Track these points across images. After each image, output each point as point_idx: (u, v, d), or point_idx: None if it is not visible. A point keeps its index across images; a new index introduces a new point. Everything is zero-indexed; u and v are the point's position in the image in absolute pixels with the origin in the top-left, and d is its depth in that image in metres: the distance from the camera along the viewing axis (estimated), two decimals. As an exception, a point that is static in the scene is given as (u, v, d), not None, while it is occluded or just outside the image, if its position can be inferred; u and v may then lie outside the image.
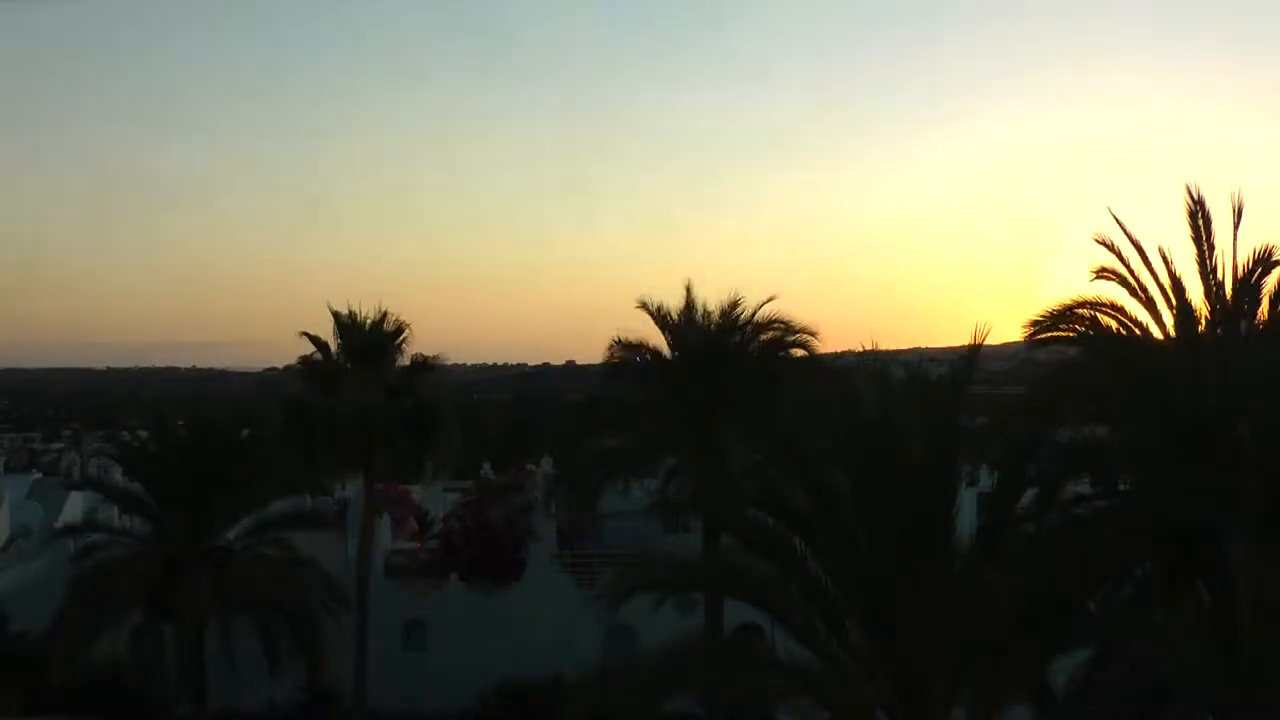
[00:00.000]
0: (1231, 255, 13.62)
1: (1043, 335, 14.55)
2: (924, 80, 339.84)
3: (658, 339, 24.41)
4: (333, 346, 27.61)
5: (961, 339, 13.64)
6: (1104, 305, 14.18)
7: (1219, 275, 13.58)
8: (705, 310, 24.22)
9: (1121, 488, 14.12)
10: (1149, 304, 13.97)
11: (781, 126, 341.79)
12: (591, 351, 24.72)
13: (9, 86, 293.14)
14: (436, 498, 41.27)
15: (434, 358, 28.32)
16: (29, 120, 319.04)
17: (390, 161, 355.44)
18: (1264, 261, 13.44)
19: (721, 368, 23.57)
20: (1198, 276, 13.72)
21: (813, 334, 23.55)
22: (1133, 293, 13.99)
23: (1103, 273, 14.13)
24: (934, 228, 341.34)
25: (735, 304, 24.08)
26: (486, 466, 41.33)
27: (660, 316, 24.07)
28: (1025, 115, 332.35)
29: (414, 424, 27.01)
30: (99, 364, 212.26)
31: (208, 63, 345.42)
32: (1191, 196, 13.76)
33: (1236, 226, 13.63)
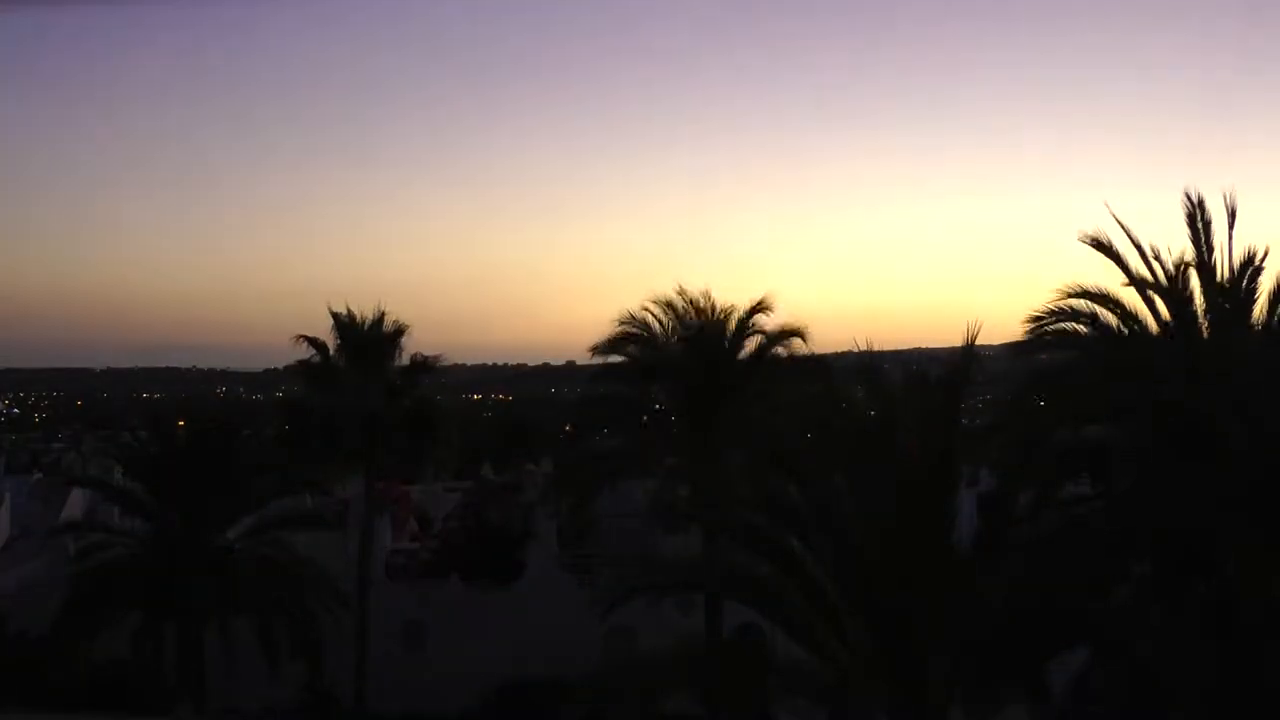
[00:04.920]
0: (1227, 256, 13.64)
1: (1043, 330, 14.51)
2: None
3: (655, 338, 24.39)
4: (331, 347, 27.63)
5: (961, 339, 13.61)
6: (1104, 298, 14.16)
7: (1218, 276, 13.59)
8: (698, 309, 24.19)
9: (1121, 488, 14.11)
10: (1148, 302, 13.98)
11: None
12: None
13: None
14: (436, 498, 41.26)
15: (433, 358, 28.35)
16: (25, 121, 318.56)
17: (390, 161, 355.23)
18: (1256, 262, 13.46)
19: (717, 367, 23.56)
20: (1196, 277, 13.71)
21: (804, 331, 23.54)
22: (1136, 285, 13.96)
23: (1096, 245, 14.06)
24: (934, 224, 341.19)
25: (727, 303, 24.09)
26: (486, 466, 41.31)
27: (641, 323, 24.00)
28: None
29: (413, 424, 27.00)
30: (98, 364, 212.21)
31: (204, 70, 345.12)
32: (1190, 199, 13.76)
33: (1231, 226, 13.65)
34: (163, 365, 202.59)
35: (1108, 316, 14.20)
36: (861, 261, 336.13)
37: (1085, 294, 14.17)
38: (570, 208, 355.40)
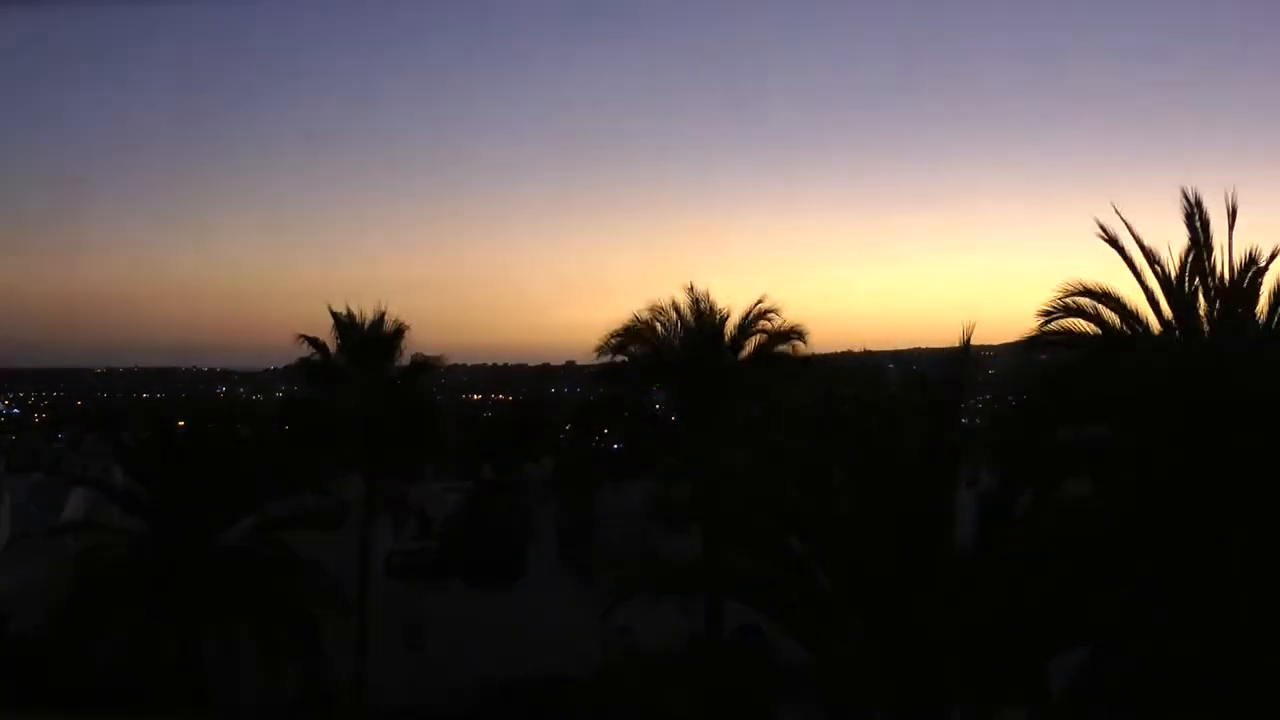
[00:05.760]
0: (1228, 254, 13.65)
1: (1044, 329, 14.51)
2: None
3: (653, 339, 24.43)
4: (331, 347, 27.67)
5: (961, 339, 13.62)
6: (1105, 295, 14.17)
7: (1217, 276, 13.59)
8: (700, 310, 24.23)
9: (1121, 488, 14.10)
10: (1151, 303, 13.98)
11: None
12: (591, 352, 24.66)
13: None
14: (436, 498, 41.30)
15: (434, 358, 28.39)
16: (24, 119, 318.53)
17: (391, 160, 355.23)
18: (1257, 262, 13.47)
19: (718, 368, 23.60)
20: (1196, 278, 13.72)
21: (802, 331, 23.58)
22: (1142, 286, 13.97)
23: (1111, 241, 14.07)
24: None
25: (727, 304, 24.13)
26: (486, 466, 41.37)
27: (645, 323, 24.02)
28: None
29: (414, 424, 27.02)
30: (98, 364, 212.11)
31: (204, 69, 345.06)
32: (1188, 199, 13.77)
33: (1231, 226, 13.65)
34: (163, 365, 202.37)
35: (1109, 315, 14.21)
36: (863, 261, 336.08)
37: (1087, 292, 14.18)
38: (571, 207, 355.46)
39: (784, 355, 23.96)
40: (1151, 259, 13.91)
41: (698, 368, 23.62)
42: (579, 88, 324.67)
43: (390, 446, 27.24)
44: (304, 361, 27.87)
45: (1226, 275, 13.58)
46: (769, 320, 23.76)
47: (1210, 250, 13.63)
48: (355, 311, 27.72)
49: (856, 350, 13.78)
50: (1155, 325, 14.00)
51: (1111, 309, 14.16)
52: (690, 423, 23.73)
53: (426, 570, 33.65)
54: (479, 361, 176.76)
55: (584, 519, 32.92)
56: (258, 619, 22.72)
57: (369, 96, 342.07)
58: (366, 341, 27.47)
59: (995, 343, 14.43)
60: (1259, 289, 13.54)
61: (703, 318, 24.18)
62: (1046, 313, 14.25)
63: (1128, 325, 14.14)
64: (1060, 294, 14.21)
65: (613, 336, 24.10)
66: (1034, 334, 14.44)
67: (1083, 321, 14.34)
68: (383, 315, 27.72)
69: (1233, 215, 13.66)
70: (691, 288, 24.35)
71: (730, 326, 24.09)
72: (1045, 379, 15.00)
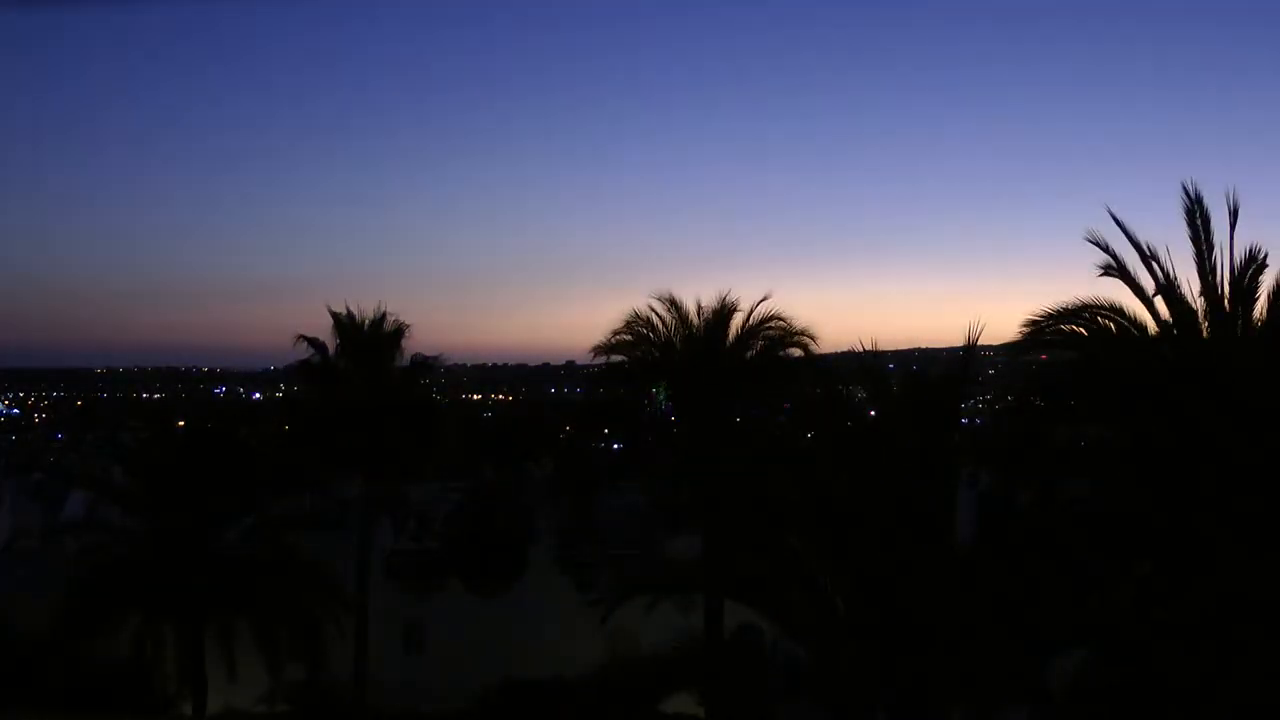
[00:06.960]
0: (1229, 254, 13.59)
1: (1043, 331, 14.46)
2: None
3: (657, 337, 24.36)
4: (331, 347, 27.64)
5: (962, 338, 13.59)
6: (1101, 308, 14.12)
7: (1217, 275, 13.53)
8: (701, 309, 24.15)
9: (1121, 488, 14.08)
10: (1147, 303, 13.94)
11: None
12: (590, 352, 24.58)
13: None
14: (436, 498, 41.26)
15: (434, 358, 28.36)
16: (26, 120, 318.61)
17: (391, 160, 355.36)
18: (1257, 260, 13.42)
19: (720, 368, 23.53)
20: (1195, 276, 13.67)
21: (809, 334, 23.46)
22: (1135, 290, 13.92)
23: (1108, 271, 14.04)
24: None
25: (730, 304, 24.00)
26: (486, 466, 41.34)
27: (645, 322, 23.94)
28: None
29: (414, 424, 27.01)
30: (98, 364, 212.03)
31: (205, 69, 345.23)
32: (1189, 194, 13.70)
33: (1233, 226, 13.59)
34: (163, 365, 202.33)
35: (1107, 319, 14.15)
36: (864, 261, 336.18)
37: (1085, 308, 14.12)
38: (571, 207, 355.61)
39: (786, 355, 23.87)
40: (1148, 260, 13.87)
41: (699, 367, 23.55)
42: (580, 86, 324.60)
43: (390, 446, 27.22)
44: (304, 362, 27.84)
45: (1226, 274, 13.54)
46: (773, 320, 23.67)
47: (1211, 249, 13.58)
48: (355, 312, 27.70)
49: (858, 349, 13.67)
50: (1152, 326, 13.95)
51: (1105, 319, 14.10)
52: (691, 422, 23.66)
53: (426, 570, 33.58)
54: (479, 361, 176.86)
55: (584, 519, 32.90)
56: (258, 619, 22.69)
57: (367, 95, 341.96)
58: (366, 342, 27.43)
59: (996, 342, 14.35)
60: (1258, 288, 13.49)
61: (705, 316, 24.09)
62: (1037, 319, 14.15)
63: (1125, 328, 14.09)
64: (1038, 320, 14.06)
65: (613, 335, 24.02)
66: (1028, 337, 14.37)
67: (1078, 327, 14.28)
68: (383, 315, 27.68)
69: (1234, 214, 13.60)
70: (671, 298, 24.21)
71: (734, 326, 24.00)
72: (1043, 379, 14.97)
